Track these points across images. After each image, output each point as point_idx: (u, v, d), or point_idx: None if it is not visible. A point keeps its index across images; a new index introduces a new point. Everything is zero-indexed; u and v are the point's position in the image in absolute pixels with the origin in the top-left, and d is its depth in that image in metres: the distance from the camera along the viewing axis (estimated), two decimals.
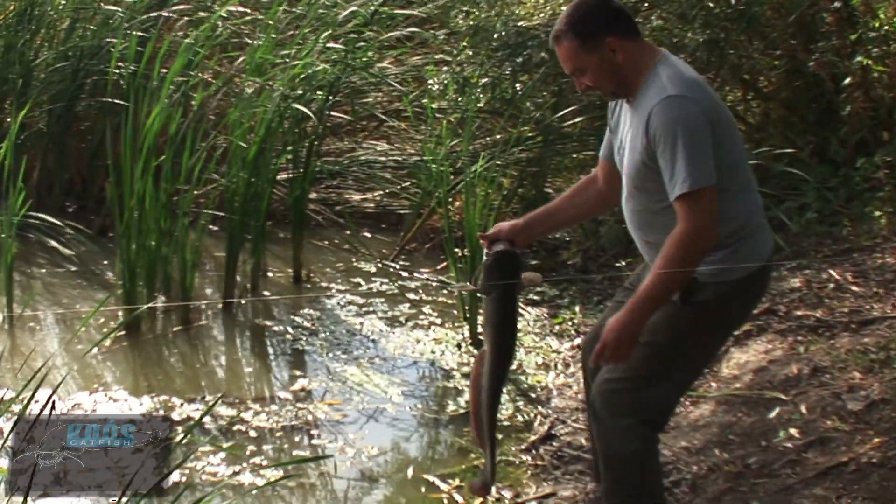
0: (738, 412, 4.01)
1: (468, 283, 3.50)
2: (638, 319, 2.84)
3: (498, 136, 6.61)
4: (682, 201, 2.78)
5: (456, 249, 5.71)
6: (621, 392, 3.00)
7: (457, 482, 3.93)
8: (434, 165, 6.08)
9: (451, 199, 6.09)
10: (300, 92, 6.26)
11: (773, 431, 3.79)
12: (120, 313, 5.35)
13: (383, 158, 7.17)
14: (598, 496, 3.43)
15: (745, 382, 4.25)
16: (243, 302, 5.77)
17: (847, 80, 5.90)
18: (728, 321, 3.10)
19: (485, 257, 3.17)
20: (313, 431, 4.40)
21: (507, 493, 3.90)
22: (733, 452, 3.73)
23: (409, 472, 4.10)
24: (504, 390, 3.60)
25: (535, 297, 5.70)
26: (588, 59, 2.89)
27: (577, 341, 5.10)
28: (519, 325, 4.61)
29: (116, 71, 6.47)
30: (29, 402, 2.51)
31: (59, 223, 5.82)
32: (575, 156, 7.16)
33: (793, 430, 3.73)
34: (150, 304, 5.25)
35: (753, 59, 6.37)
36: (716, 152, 2.81)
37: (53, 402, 2.66)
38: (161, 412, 4.42)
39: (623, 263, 5.99)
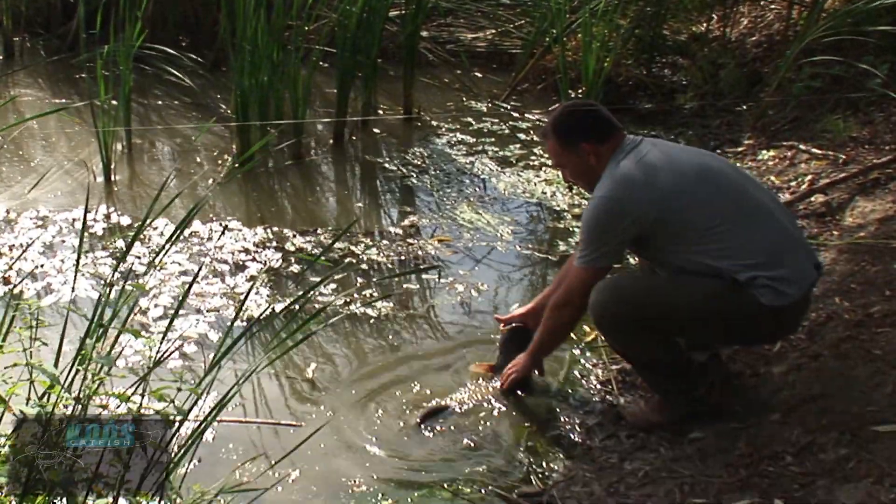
0: (861, 261, 3.87)
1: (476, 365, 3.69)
2: (534, 366, 3.50)
3: None
4: (573, 271, 3.29)
5: (570, 90, 5.56)
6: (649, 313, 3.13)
7: None
8: (551, 2, 5.88)
9: (565, 39, 5.91)
10: None
11: None
12: (235, 146, 5.39)
13: None
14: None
15: (869, 232, 4.09)
16: (354, 138, 5.77)
17: None
18: (769, 332, 3.23)
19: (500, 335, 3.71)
20: (423, 266, 4.42)
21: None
22: (854, 301, 3.61)
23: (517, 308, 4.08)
24: None
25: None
26: (567, 159, 3.29)
27: None
28: None
29: None
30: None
31: (175, 53, 5.83)
32: None
33: None
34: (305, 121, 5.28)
35: None
36: (668, 229, 3.08)
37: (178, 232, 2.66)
38: (275, 242, 4.50)
39: (744, 107, 5.77)
